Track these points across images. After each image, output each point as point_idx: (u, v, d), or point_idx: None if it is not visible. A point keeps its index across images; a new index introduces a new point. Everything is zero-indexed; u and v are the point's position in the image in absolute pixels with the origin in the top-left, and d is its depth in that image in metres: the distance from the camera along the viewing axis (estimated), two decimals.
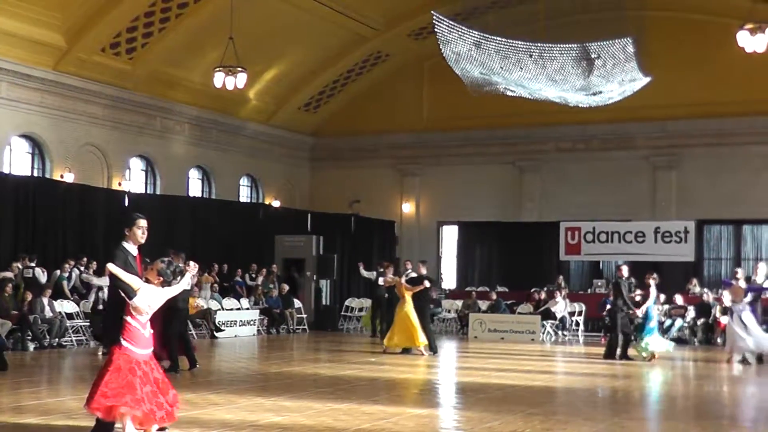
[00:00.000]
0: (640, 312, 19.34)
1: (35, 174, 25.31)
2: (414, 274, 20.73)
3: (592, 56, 22.07)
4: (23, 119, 24.74)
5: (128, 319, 8.40)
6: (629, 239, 28.03)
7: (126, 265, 8.71)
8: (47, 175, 25.27)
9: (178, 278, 8.71)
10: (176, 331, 15.60)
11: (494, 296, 26.97)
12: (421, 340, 19.37)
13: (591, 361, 19.14)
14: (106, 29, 25.00)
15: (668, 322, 24.40)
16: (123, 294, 8.42)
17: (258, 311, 25.35)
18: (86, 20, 24.40)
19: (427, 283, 20.13)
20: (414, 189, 34.59)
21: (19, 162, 25.19)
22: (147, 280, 8.60)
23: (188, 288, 14.97)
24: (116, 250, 8.78)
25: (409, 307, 19.53)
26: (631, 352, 19.14)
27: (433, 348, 19.63)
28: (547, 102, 25.60)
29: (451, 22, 22.10)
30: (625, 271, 19.52)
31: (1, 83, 23.96)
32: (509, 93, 24.41)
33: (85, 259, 22.41)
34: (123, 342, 8.34)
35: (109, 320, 8.65)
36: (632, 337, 19.63)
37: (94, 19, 24.44)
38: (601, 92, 23.78)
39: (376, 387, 14.43)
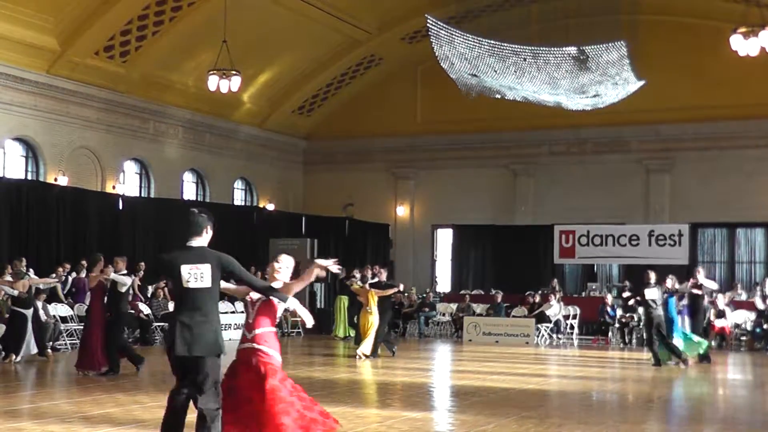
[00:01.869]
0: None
1: (29, 177, 25.25)
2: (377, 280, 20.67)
3: (583, 57, 22.11)
4: (17, 122, 24.70)
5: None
6: (623, 242, 28.06)
7: None
8: (41, 179, 25.21)
9: None
10: (121, 335, 16.07)
11: (499, 298, 26.85)
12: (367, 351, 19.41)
13: (585, 365, 19.15)
14: (100, 32, 24.96)
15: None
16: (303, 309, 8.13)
17: None
18: (79, 23, 24.37)
19: (401, 287, 20.21)
20: (408, 192, 34.59)
21: (13, 165, 25.14)
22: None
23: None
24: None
25: (375, 316, 19.52)
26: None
27: (375, 352, 19.57)
28: (541, 105, 25.64)
29: (444, 25, 22.14)
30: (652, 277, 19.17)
31: None
32: (506, 97, 24.44)
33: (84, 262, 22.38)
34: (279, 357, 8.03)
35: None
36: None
37: (88, 22, 24.40)
38: (596, 95, 23.79)
39: (370, 390, 14.42)
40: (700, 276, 20.83)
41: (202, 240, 7.57)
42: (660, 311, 18.66)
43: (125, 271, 15.78)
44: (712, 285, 21.76)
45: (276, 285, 8.02)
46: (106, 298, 15.69)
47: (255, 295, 7.94)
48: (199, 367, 7.43)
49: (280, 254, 8.22)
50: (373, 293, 19.64)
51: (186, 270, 7.38)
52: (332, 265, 8.02)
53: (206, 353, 7.40)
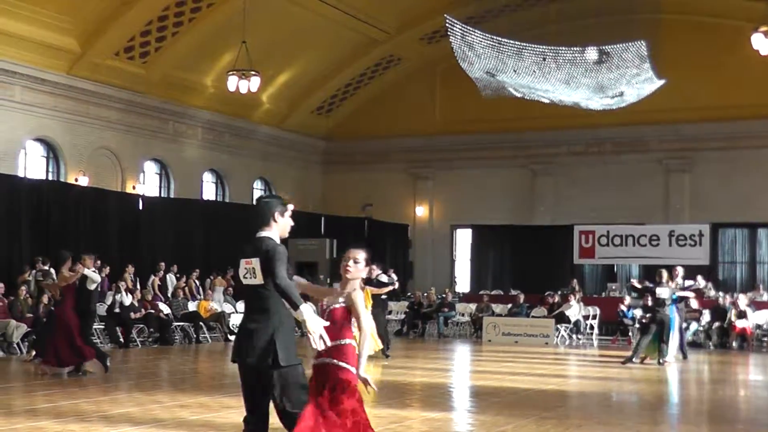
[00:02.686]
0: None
1: (49, 177, 25.41)
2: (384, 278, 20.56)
3: (602, 57, 22.02)
4: (37, 123, 24.85)
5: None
6: (643, 242, 27.92)
7: None
8: (61, 179, 25.36)
9: None
10: (90, 333, 16.08)
11: (521, 299, 26.70)
12: (380, 344, 18.77)
13: (605, 365, 19.06)
14: (120, 33, 25.09)
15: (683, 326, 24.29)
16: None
17: None
18: (100, 24, 24.49)
19: (396, 284, 20.16)
20: (427, 192, 34.57)
21: (34, 166, 25.30)
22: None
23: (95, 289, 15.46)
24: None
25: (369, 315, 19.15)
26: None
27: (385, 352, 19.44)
28: (560, 105, 25.57)
29: (463, 25, 22.10)
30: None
31: (16, 87, 24.07)
32: (524, 96, 24.38)
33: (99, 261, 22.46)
34: None
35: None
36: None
37: (108, 23, 24.53)
38: (619, 94, 23.68)
39: (388, 390, 14.39)
40: (678, 278, 20.75)
41: (270, 230, 6.65)
42: (668, 311, 18.74)
43: (93, 269, 15.75)
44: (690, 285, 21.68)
45: (351, 287, 6.80)
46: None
47: (325, 301, 6.89)
48: (262, 380, 6.47)
49: (351, 249, 6.98)
50: (368, 291, 19.29)
51: (242, 265, 6.60)
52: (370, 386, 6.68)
53: (257, 362, 6.45)
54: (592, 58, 22.12)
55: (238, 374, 6.67)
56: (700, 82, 29.35)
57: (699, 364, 20.17)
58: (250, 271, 6.56)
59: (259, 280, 6.53)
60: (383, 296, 21.33)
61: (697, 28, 29.73)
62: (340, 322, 6.67)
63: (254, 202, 6.77)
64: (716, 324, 24.29)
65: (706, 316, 24.52)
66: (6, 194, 22.07)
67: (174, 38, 26.18)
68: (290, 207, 6.86)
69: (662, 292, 18.74)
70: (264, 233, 6.65)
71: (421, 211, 34.65)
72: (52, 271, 20.32)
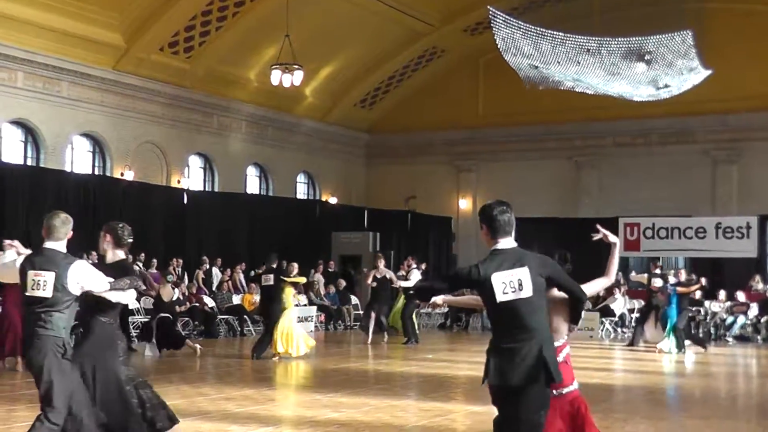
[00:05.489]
0: None
1: (96, 172, 25.69)
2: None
3: (646, 57, 21.82)
4: (84, 118, 25.13)
5: None
6: (689, 235, 27.55)
7: None
8: (108, 173, 25.64)
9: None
10: None
11: None
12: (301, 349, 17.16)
13: (650, 359, 18.90)
14: (164, 29, 25.28)
15: (730, 319, 24.04)
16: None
17: (315, 308, 25.45)
18: (145, 20, 24.71)
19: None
20: (470, 185, 34.45)
21: (81, 160, 25.59)
22: None
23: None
24: None
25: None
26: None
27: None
28: (605, 96, 25.35)
29: (507, 16, 21.97)
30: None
31: (63, 83, 24.36)
32: (567, 88, 24.19)
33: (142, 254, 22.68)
34: None
35: None
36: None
37: (153, 18, 24.73)
38: (666, 86, 23.43)
39: (432, 383, 14.39)
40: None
41: (512, 241, 6.08)
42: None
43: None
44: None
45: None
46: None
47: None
48: (517, 401, 5.83)
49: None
50: (290, 288, 18.03)
51: (499, 279, 5.77)
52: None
53: (527, 381, 5.75)
54: (641, 70, 21.99)
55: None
56: (747, 71, 28.93)
57: (747, 358, 19.93)
58: (515, 283, 5.80)
59: (527, 293, 5.79)
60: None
61: (745, 17, 29.30)
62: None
63: (490, 212, 6.00)
64: (764, 318, 23.98)
65: (754, 309, 24.20)
66: (54, 189, 22.36)
67: (218, 33, 26.33)
68: None
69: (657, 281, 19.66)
70: (510, 245, 6.04)
71: (465, 203, 34.56)
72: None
